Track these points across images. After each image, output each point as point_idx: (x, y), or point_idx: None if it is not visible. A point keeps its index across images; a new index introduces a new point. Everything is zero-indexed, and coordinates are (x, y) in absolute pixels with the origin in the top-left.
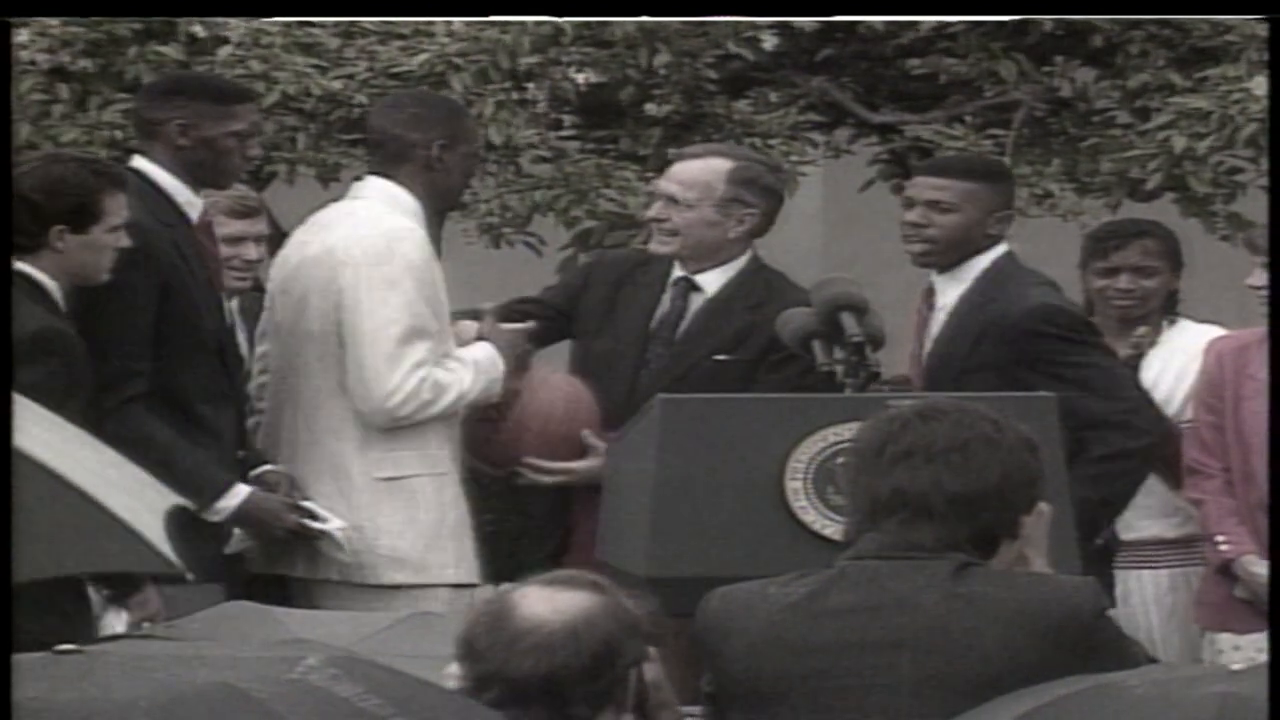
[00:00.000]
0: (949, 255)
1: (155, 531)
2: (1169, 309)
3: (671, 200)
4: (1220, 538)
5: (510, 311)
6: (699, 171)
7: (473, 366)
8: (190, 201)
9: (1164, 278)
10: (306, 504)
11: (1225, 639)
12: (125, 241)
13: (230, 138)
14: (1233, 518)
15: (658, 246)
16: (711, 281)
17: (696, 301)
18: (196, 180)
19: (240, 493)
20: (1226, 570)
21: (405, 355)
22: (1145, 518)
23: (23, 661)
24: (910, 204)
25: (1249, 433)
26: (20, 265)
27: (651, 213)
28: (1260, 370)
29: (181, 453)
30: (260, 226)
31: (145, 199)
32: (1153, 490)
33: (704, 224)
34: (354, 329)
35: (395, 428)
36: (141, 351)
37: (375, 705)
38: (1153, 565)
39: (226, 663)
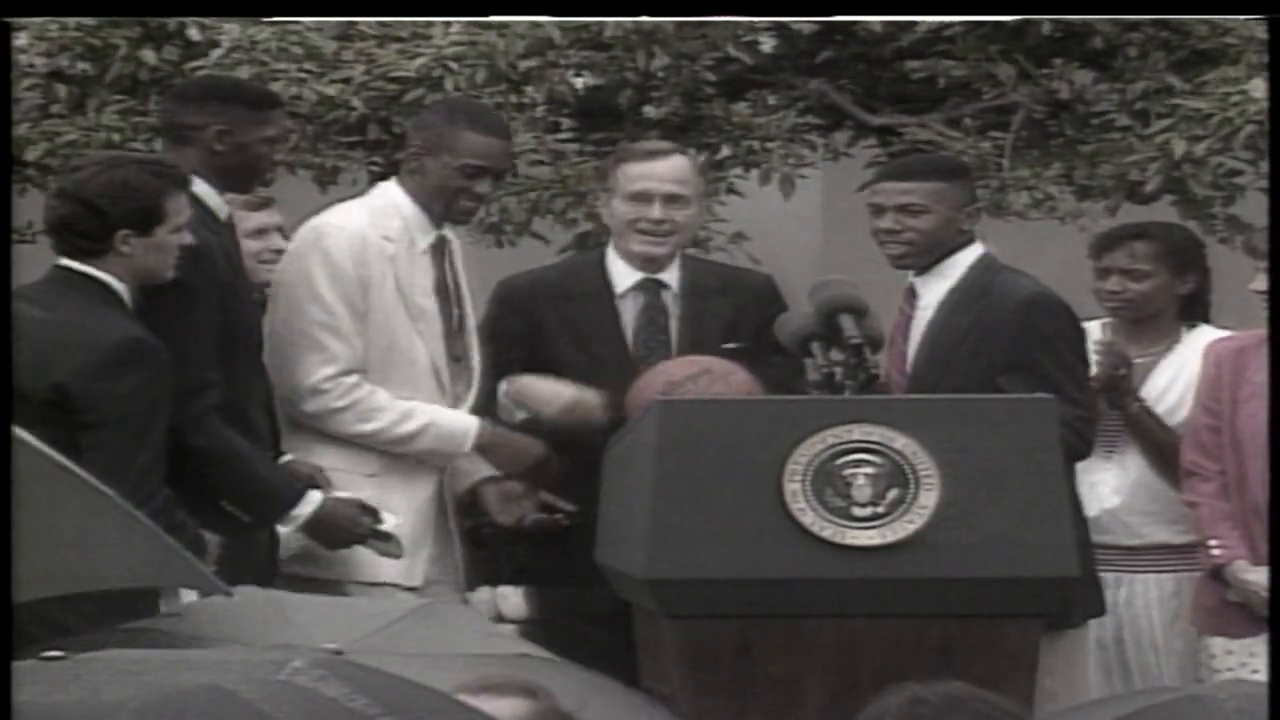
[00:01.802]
0: (927, 256)
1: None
2: (1190, 314)
3: (671, 199)
4: (1213, 542)
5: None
6: (684, 168)
7: (428, 422)
8: (219, 205)
9: (1159, 280)
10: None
11: (1218, 643)
12: (188, 239)
13: (263, 144)
14: (1226, 522)
15: (653, 249)
16: (671, 277)
17: (668, 298)
18: (224, 184)
19: (314, 499)
20: (1218, 575)
21: (310, 350)
22: (1152, 524)
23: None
24: (880, 210)
25: (1245, 436)
26: (89, 269)
27: (655, 213)
28: (1257, 373)
29: (258, 461)
30: (277, 217)
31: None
32: (1159, 497)
33: (695, 219)
34: (272, 322)
35: (318, 427)
36: (212, 360)
37: (363, 705)
38: (1157, 570)
39: (214, 665)
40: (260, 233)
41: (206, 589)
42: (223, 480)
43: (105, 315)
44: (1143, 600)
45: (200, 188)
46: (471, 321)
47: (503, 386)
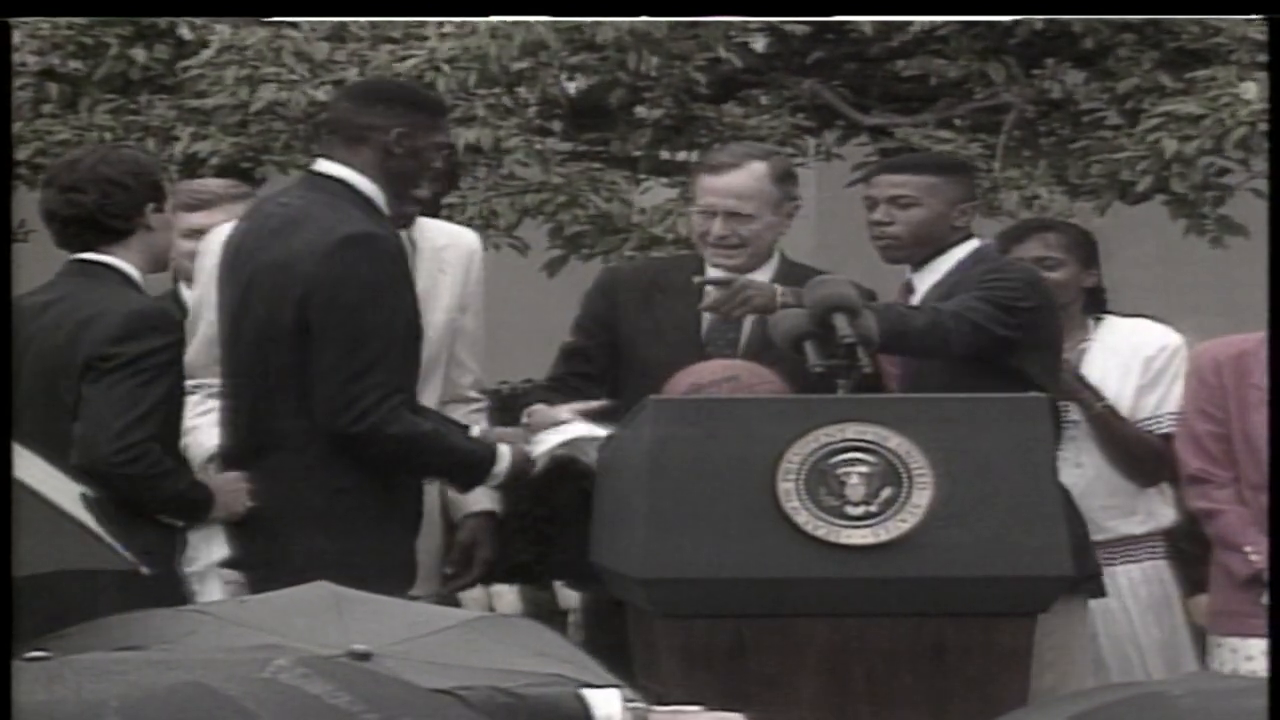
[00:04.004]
0: (918, 250)
1: (101, 529)
2: (1093, 307)
3: (733, 215)
4: (1249, 548)
5: (562, 383)
6: (749, 180)
7: None
8: (383, 206)
9: (1070, 271)
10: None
11: (1255, 644)
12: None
13: (433, 149)
14: (1254, 527)
15: (721, 261)
16: (760, 278)
17: None
18: (390, 186)
19: (506, 454)
20: (1256, 579)
21: None
22: (1114, 518)
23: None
24: (873, 203)
25: (1261, 442)
26: (104, 257)
27: (717, 229)
28: (1264, 378)
29: (451, 435)
30: (217, 217)
31: (356, 205)
32: (1118, 490)
33: (768, 230)
34: None
35: None
36: (400, 355)
37: (346, 702)
38: (1125, 561)
39: (197, 664)
40: (196, 233)
41: (124, 567)
42: (426, 460)
43: (123, 293)
44: (1113, 592)
45: (367, 187)
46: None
47: (524, 419)
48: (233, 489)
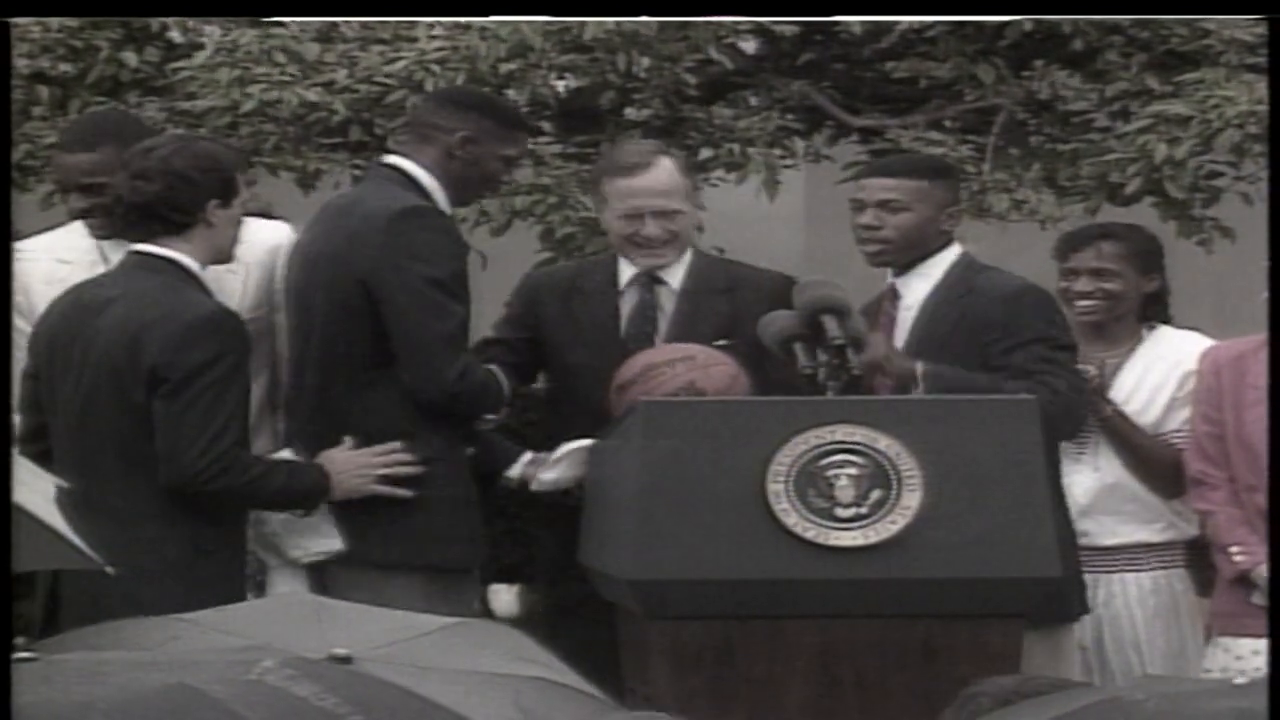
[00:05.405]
0: (905, 254)
1: (68, 530)
2: (1149, 315)
3: (662, 214)
4: (1235, 549)
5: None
6: (666, 176)
7: None
8: (443, 204)
9: (1127, 281)
10: None
11: (1246, 644)
12: (243, 218)
13: (499, 160)
14: (1243, 527)
15: (653, 260)
16: (673, 275)
17: (665, 295)
18: (451, 189)
19: (505, 381)
20: (1244, 579)
21: None
22: (1129, 523)
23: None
24: (861, 206)
25: (1255, 441)
26: (164, 251)
27: (649, 230)
28: (1261, 378)
29: (495, 377)
30: None
31: (411, 191)
32: (1135, 497)
33: (689, 223)
34: None
35: None
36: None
37: (333, 704)
38: (1135, 569)
39: (184, 665)
40: None
41: (91, 568)
42: (489, 401)
43: (183, 292)
44: (1122, 599)
45: (428, 182)
46: None
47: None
48: (361, 465)
